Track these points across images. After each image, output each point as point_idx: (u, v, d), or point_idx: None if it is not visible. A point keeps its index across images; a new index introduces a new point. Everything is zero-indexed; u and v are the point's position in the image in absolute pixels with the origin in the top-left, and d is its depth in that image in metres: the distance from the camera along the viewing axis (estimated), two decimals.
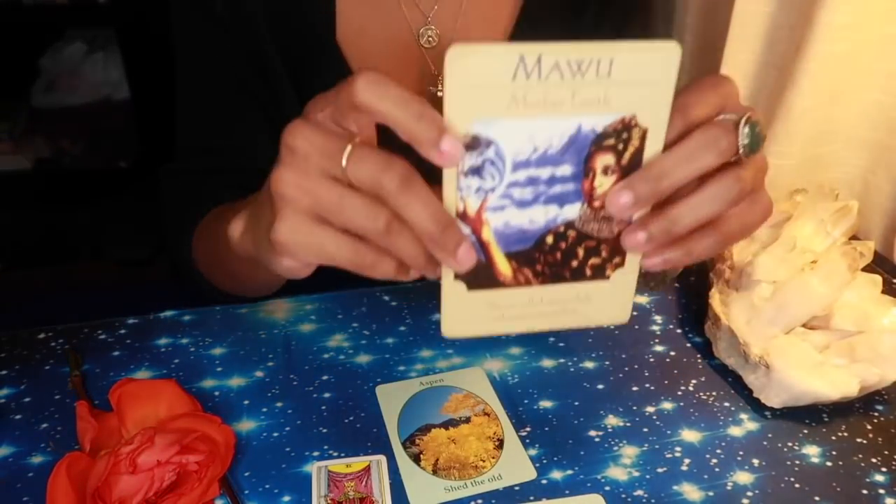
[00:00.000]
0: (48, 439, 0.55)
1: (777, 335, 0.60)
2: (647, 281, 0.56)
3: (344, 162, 0.36)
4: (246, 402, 0.59)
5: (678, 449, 0.56)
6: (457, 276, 0.40)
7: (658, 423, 0.58)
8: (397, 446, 0.55)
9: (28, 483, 0.52)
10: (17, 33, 1.78)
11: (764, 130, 0.39)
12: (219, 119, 0.68)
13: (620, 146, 0.38)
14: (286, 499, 0.51)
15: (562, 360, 0.63)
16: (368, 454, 0.54)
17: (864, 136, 0.82)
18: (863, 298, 0.63)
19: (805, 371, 0.57)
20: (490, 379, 0.61)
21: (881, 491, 0.53)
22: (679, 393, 0.60)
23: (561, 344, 0.65)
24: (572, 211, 0.39)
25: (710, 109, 0.39)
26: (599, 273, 0.42)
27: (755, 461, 0.55)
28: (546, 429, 0.57)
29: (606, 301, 0.43)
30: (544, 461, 0.54)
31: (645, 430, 0.57)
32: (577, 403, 0.59)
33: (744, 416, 0.58)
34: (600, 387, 0.61)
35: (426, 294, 0.69)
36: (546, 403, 0.59)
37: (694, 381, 0.62)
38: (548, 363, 0.63)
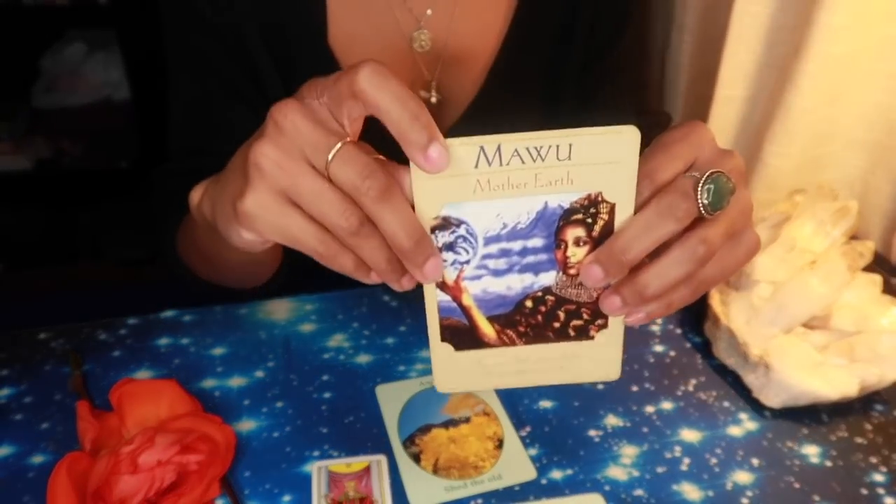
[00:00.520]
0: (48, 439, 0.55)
1: (777, 335, 0.60)
2: None
3: (329, 157, 0.36)
4: (246, 402, 0.59)
5: (678, 449, 0.56)
6: (443, 339, 0.42)
7: (658, 423, 0.58)
8: (397, 446, 0.55)
9: (28, 483, 0.52)
10: (17, 33, 1.78)
11: (731, 183, 0.38)
12: (210, 121, 0.67)
13: (590, 220, 0.39)
14: (286, 499, 0.51)
15: None
16: (368, 454, 0.54)
17: (864, 137, 0.82)
18: (862, 298, 0.63)
19: (804, 371, 0.57)
20: None
21: (881, 491, 0.53)
22: (679, 393, 0.60)
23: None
24: (548, 278, 0.41)
25: (680, 167, 0.39)
26: (583, 334, 0.43)
27: (755, 461, 0.55)
28: (546, 429, 0.57)
29: (595, 359, 0.43)
30: (544, 461, 0.54)
31: (645, 430, 0.57)
32: (577, 403, 0.59)
33: (743, 416, 0.59)
34: (600, 387, 0.61)
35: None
36: (546, 403, 0.59)
37: (694, 381, 0.62)
38: None
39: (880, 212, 0.82)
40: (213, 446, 0.53)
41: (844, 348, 0.59)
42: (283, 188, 0.37)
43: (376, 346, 0.64)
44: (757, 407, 0.59)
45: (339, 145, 0.36)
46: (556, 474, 0.53)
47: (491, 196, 0.38)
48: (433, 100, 0.67)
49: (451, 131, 0.45)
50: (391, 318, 0.67)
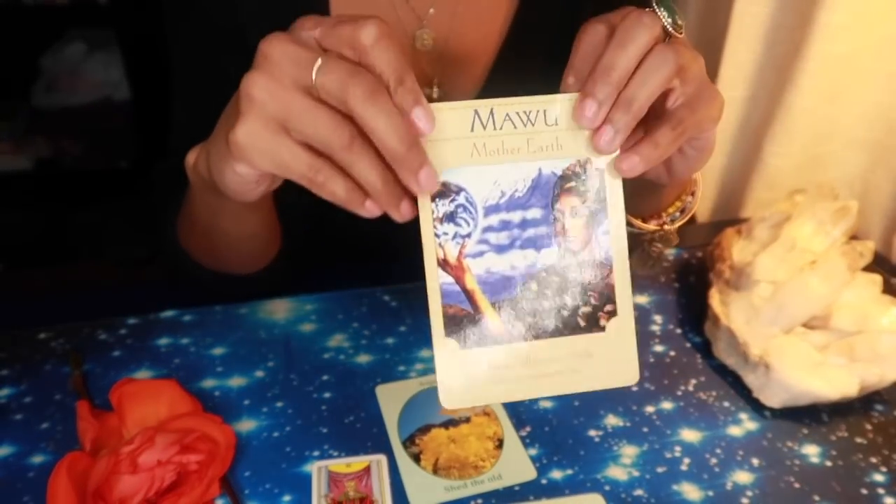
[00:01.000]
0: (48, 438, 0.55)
1: (777, 335, 0.60)
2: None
3: (314, 72, 0.37)
4: (246, 402, 0.59)
5: (678, 449, 0.56)
6: (448, 333, 0.40)
7: (658, 422, 0.58)
8: (397, 446, 0.55)
9: (28, 483, 0.52)
10: (17, 33, 1.78)
11: (676, 8, 0.41)
12: (212, 119, 0.68)
13: (582, 188, 0.41)
14: (286, 498, 0.51)
15: None
16: (368, 454, 0.54)
17: (864, 136, 0.82)
18: (862, 298, 0.63)
19: (804, 371, 0.57)
20: None
21: (881, 490, 0.53)
22: (679, 393, 0.60)
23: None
24: (550, 255, 0.41)
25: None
26: (593, 323, 0.42)
27: (755, 461, 0.55)
28: (546, 429, 0.57)
29: (610, 358, 0.42)
30: (544, 461, 0.54)
31: (645, 429, 0.57)
32: (577, 403, 0.59)
33: (743, 415, 0.59)
34: None
35: (426, 294, 0.68)
36: (546, 403, 0.59)
37: (694, 381, 0.62)
38: None
39: (880, 211, 0.82)
40: (213, 446, 0.53)
41: (844, 348, 0.59)
42: (274, 114, 0.38)
43: (376, 346, 0.64)
44: (757, 407, 0.59)
45: (321, 59, 0.37)
46: (556, 474, 0.53)
47: (487, 161, 0.40)
48: (435, 97, 0.67)
49: None
50: (391, 318, 0.67)
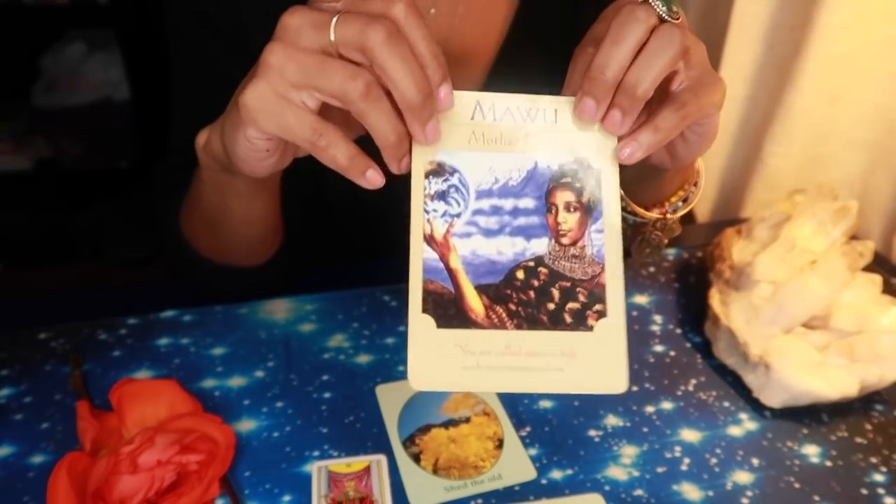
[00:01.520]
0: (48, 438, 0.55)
1: (777, 335, 0.60)
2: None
3: (332, 29, 0.38)
4: (246, 402, 0.59)
5: (678, 449, 0.56)
6: (425, 310, 0.39)
7: (658, 423, 0.58)
8: (397, 446, 0.55)
9: (28, 483, 0.52)
10: (17, 33, 1.78)
11: None
12: (212, 119, 0.68)
13: (578, 184, 0.41)
14: (286, 498, 0.51)
15: None
16: (368, 454, 0.54)
17: (864, 137, 0.82)
18: (862, 298, 0.63)
19: (805, 371, 0.57)
20: None
21: (881, 491, 0.53)
22: (679, 393, 0.60)
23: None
24: (540, 245, 0.40)
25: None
26: (580, 321, 0.39)
27: (755, 461, 0.55)
28: (546, 429, 0.57)
29: (595, 360, 0.39)
30: (544, 461, 0.54)
31: (645, 430, 0.57)
32: (577, 403, 0.59)
33: (743, 415, 0.59)
34: None
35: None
36: (546, 403, 0.59)
37: (694, 381, 0.62)
38: None
39: (880, 212, 0.82)
40: (213, 446, 0.53)
41: (844, 348, 0.59)
42: (290, 77, 0.38)
43: (376, 346, 0.64)
44: (757, 407, 0.59)
45: (338, 16, 0.38)
46: (556, 474, 0.53)
47: (484, 148, 0.40)
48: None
49: None
50: (391, 318, 0.67)
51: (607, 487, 0.53)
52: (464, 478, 0.53)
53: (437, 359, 0.39)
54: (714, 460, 0.55)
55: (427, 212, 0.40)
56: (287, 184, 0.58)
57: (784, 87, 0.78)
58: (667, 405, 0.59)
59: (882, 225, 0.82)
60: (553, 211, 0.41)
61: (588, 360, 0.39)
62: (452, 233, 0.40)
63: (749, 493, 0.52)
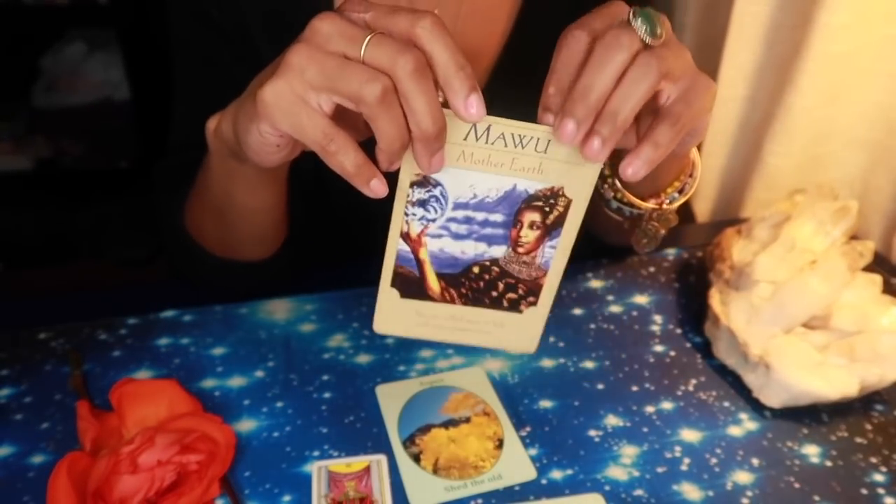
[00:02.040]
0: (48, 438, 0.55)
1: (777, 335, 0.60)
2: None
3: (363, 47, 0.38)
4: (246, 402, 0.59)
5: (678, 449, 0.56)
6: (392, 284, 0.46)
7: (658, 423, 0.58)
8: (397, 446, 0.55)
9: (28, 483, 0.52)
10: (17, 33, 1.78)
11: (655, 15, 0.41)
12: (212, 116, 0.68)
13: (547, 208, 0.45)
14: (286, 498, 0.51)
15: (562, 360, 0.63)
16: (368, 454, 0.54)
17: (864, 137, 0.82)
18: (862, 298, 0.63)
19: (805, 371, 0.57)
20: (490, 379, 0.61)
21: (881, 491, 0.53)
22: (679, 393, 0.60)
23: (561, 344, 0.65)
24: (499, 251, 0.46)
25: (608, 21, 0.42)
26: (514, 307, 0.48)
27: (755, 461, 0.55)
28: (546, 429, 0.57)
29: (518, 331, 0.49)
30: (544, 461, 0.54)
31: (645, 430, 0.57)
32: (577, 403, 0.59)
33: (743, 415, 0.59)
34: (600, 387, 0.61)
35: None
36: (546, 403, 0.59)
37: (694, 381, 0.62)
38: (548, 363, 0.63)
39: (880, 212, 0.82)
40: (213, 446, 0.53)
41: (844, 348, 0.59)
42: (310, 78, 0.39)
43: (376, 346, 0.64)
44: (757, 407, 0.59)
45: (371, 35, 0.38)
46: (556, 474, 0.53)
47: (470, 167, 0.43)
48: (438, 98, 0.67)
49: None
50: None
51: (607, 487, 0.53)
52: (464, 478, 0.53)
53: (396, 317, 0.48)
54: (714, 460, 0.55)
55: (407, 214, 0.44)
56: (289, 181, 0.58)
57: (784, 86, 0.78)
58: (667, 405, 0.59)
59: (882, 225, 0.82)
60: (518, 226, 0.45)
61: (512, 330, 0.49)
62: (426, 233, 0.45)
63: (749, 493, 0.52)
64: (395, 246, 0.45)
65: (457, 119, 0.40)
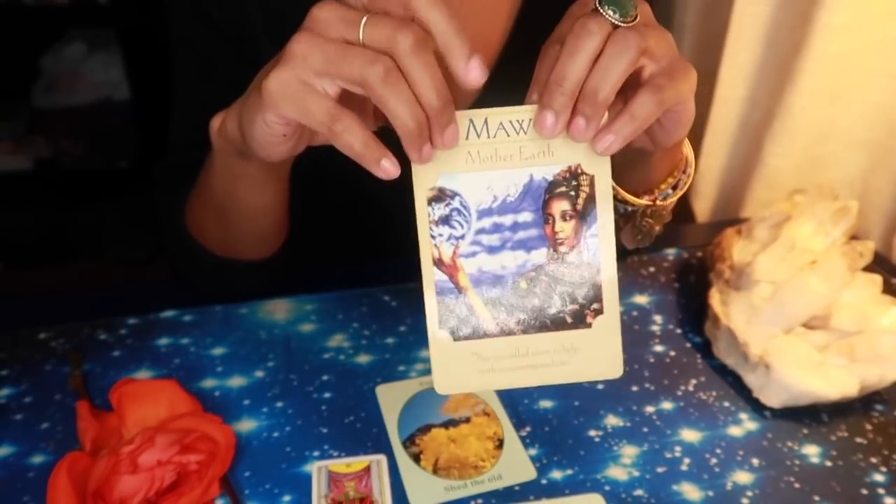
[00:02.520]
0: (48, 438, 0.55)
1: (777, 335, 0.60)
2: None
3: (361, 26, 0.38)
4: (246, 402, 0.59)
5: (678, 449, 0.56)
6: (441, 326, 0.43)
7: (658, 423, 0.58)
8: (397, 446, 0.55)
9: (28, 483, 0.52)
10: (17, 33, 1.78)
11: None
12: (213, 115, 0.68)
13: (573, 192, 0.42)
14: (286, 499, 0.51)
15: None
16: (368, 454, 0.54)
17: (864, 137, 0.82)
18: (862, 298, 0.63)
19: (805, 371, 0.57)
20: None
21: (881, 491, 0.53)
22: (679, 393, 0.60)
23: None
24: (540, 256, 0.43)
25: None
26: (579, 320, 0.43)
27: (755, 461, 0.55)
28: (546, 429, 0.57)
29: (594, 351, 0.43)
30: (544, 461, 0.54)
31: (645, 430, 0.57)
32: (577, 403, 0.59)
33: (743, 415, 0.59)
34: (600, 387, 0.61)
35: (422, 290, 0.69)
36: (546, 403, 0.59)
37: (694, 381, 0.62)
38: None
39: (880, 212, 0.82)
40: (213, 446, 0.53)
41: (844, 348, 0.59)
42: (313, 65, 0.39)
43: (376, 346, 0.64)
44: (757, 407, 0.59)
45: (367, 15, 0.39)
46: (556, 474, 0.53)
47: (481, 167, 0.41)
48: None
49: None
50: (391, 318, 0.67)
51: (607, 487, 0.53)
52: (464, 478, 0.53)
53: (457, 367, 0.43)
54: (714, 460, 0.55)
55: (433, 237, 0.42)
56: (290, 182, 0.58)
57: (784, 86, 0.78)
58: (667, 405, 0.59)
59: (882, 225, 0.82)
60: (550, 221, 0.42)
61: (588, 353, 0.43)
62: (459, 254, 0.42)
63: (749, 493, 0.52)
64: (431, 277, 0.42)
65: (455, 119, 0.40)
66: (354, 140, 0.40)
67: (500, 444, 0.55)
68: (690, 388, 0.61)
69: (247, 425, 0.57)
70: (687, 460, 0.55)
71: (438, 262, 0.42)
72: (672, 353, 0.64)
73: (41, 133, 1.87)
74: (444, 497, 0.52)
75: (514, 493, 0.52)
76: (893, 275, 0.72)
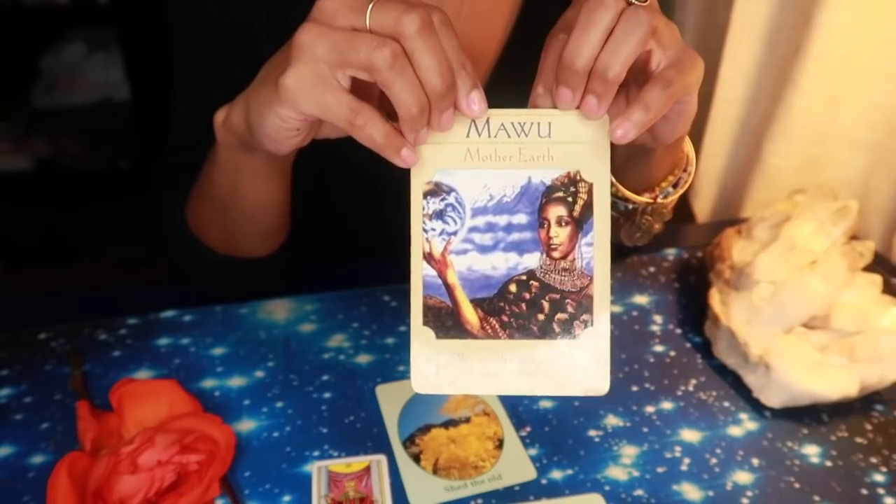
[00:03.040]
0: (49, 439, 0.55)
1: (777, 335, 0.60)
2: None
3: (367, 14, 0.39)
4: (246, 402, 0.59)
5: (678, 449, 0.56)
6: (425, 322, 0.42)
7: (658, 423, 0.58)
8: (397, 446, 0.55)
9: (28, 483, 0.52)
10: (17, 33, 1.78)
11: None
12: (213, 115, 0.68)
13: (570, 199, 0.42)
14: (286, 499, 0.51)
15: None
16: (368, 454, 0.54)
17: (864, 137, 0.82)
18: (862, 298, 0.63)
19: (805, 371, 0.57)
20: None
21: (881, 491, 0.53)
22: (679, 393, 0.60)
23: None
24: (532, 260, 0.42)
25: None
26: (567, 331, 0.42)
27: (755, 461, 0.55)
28: (546, 429, 0.57)
29: (581, 364, 0.42)
30: (544, 461, 0.54)
31: (645, 430, 0.57)
32: (577, 403, 0.59)
33: (743, 416, 0.59)
34: None
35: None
36: (546, 403, 0.59)
37: (694, 381, 0.62)
38: None
39: (880, 212, 0.82)
40: (213, 446, 0.53)
41: (844, 348, 0.59)
42: (322, 55, 0.39)
43: (376, 346, 0.64)
44: (757, 407, 0.59)
45: (374, 2, 0.39)
46: (556, 474, 0.53)
47: (480, 166, 0.41)
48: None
49: None
50: (391, 318, 0.67)
51: (607, 487, 0.53)
52: (464, 478, 0.53)
53: (436, 366, 0.42)
54: (714, 460, 0.55)
55: (426, 231, 0.42)
56: (295, 180, 0.58)
57: (784, 87, 0.78)
58: (667, 405, 0.59)
59: (882, 225, 0.82)
60: (545, 225, 0.42)
61: (573, 366, 0.42)
62: (450, 250, 0.42)
63: (749, 493, 0.52)
64: (419, 271, 0.42)
65: (458, 116, 0.40)
66: (376, 132, 0.40)
67: (500, 444, 0.55)
68: (690, 388, 0.61)
69: (247, 425, 0.57)
70: (687, 460, 0.55)
71: (428, 257, 0.42)
72: (672, 353, 0.64)
73: (41, 133, 1.86)
74: (444, 497, 0.52)
75: (514, 493, 0.52)
76: (893, 275, 0.72)
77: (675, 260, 0.75)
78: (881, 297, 0.64)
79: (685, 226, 0.90)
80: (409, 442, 0.55)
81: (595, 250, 0.42)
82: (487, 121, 0.41)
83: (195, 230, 0.64)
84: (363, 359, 0.63)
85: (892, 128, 0.79)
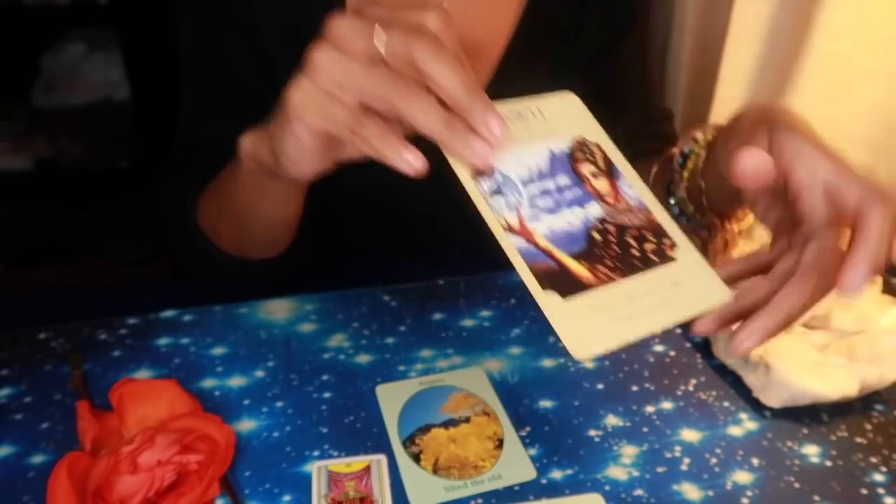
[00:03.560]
0: (49, 439, 0.55)
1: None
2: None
3: (381, 41, 0.39)
4: (246, 401, 0.59)
5: (678, 449, 0.56)
6: (545, 287, 0.40)
7: (658, 422, 0.58)
8: (397, 446, 0.55)
9: (28, 483, 0.52)
10: (17, 33, 1.78)
11: None
12: (221, 115, 0.68)
13: (590, 157, 0.45)
14: (286, 498, 0.51)
15: (562, 360, 0.63)
16: (368, 454, 0.54)
17: (864, 137, 0.82)
18: (862, 298, 0.63)
19: (804, 371, 0.57)
20: (490, 378, 0.61)
21: (881, 491, 0.53)
22: (679, 393, 0.60)
23: (561, 344, 0.64)
24: (595, 209, 0.44)
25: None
26: (662, 255, 0.43)
27: (755, 461, 0.55)
28: (546, 429, 0.57)
29: (694, 282, 0.43)
30: (544, 461, 0.54)
31: (645, 429, 0.57)
32: (577, 403, 0.59)
33: (743, 415, 0.59)
34: (600, 386, 0.61)
35: (426, 294, 0.69)
36: (546, 403, 0.59)
37: (694, 381, 0.62)
38: (548, 363, 0.63)
39: None
40: (213, 446, 0.53)
41: (844, 348, 0.59)
42: (335, 78, 0.40)
43: (376, 346, 0.64)
44: (757, 407, 0.59)
45: (384, 29, 0.40)
46: (556, 474, 0.53)
47: (503, 146, 0.42)
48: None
49: None
50: (391, 318, 0.67)
51: (607, 487, 0.53)
52: (464, 478, 0.53)
53: (580, 326, 0.40)
54: (714, 460, 0.55)
55: (493, 209, 0.41)
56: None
57: (784, 86, 0.78)
58: (667, 405, 0.59)
59: None
60: (586, 182, 0.44)
61: (689, 285, 0.43)
62: (524, 219, 0.42)
63: (749, 493, 0.52)
64: (510, 244, 0.41)
65: None
66: (389, 146, 0.40)
67: (500, 444, 0.55)
68: (690, 388, 0.61)
69: (247, 425, 0.57)
70: (687, 460, 0.55)
71: (509, 228, 0.41)
72: (672, 353, 0.64)
73: (41, 133, 1.87)
74: (444, 497, 0.52)
75: (514, 492, 0.52)
76: (893, 275, 0.72)
77: None
78: (881, 297, 0.64)
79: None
80: (409, 442, 0.55)
81: (637, 191, 0.45)
82: None
83: (205, 229, 0.64)
84: (363, 359, 0.63)
85: (891, 127, 0.79)
